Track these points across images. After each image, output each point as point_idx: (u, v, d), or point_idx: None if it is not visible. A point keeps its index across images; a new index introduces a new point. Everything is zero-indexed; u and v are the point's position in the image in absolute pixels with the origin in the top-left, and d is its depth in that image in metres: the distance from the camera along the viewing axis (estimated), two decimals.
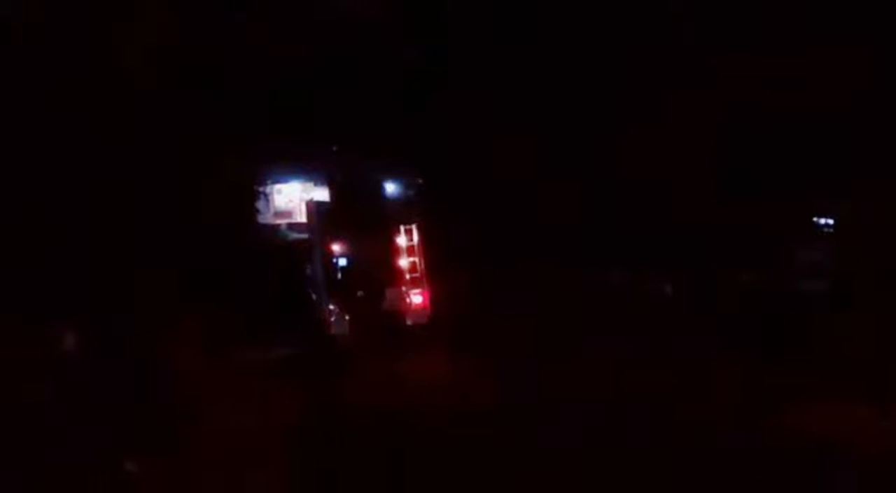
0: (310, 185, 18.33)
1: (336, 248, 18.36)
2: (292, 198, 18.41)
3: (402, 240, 18.79)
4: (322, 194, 18.49)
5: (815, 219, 16.08)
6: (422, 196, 18.48)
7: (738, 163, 14.77)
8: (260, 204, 17.50)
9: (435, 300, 18.22)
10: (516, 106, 15.45)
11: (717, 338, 13.73)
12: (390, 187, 18.85)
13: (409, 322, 18.30)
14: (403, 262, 18.71)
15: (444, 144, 16.26)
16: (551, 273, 15.63)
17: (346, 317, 17.79)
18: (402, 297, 18.44)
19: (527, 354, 14.01)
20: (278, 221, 18.32)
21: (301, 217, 18.31)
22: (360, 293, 18.12)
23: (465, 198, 16.42)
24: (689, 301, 15.34)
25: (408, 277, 18.63)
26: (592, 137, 15.23)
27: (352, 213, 18.18)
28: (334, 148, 17.92)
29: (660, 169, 14.89)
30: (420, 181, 18.45)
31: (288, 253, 17.91)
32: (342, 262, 18.44)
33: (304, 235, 18.25)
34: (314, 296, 17.71)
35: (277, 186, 18.24)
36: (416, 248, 18.78)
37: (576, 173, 15.44)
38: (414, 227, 18.79)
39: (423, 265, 18.59)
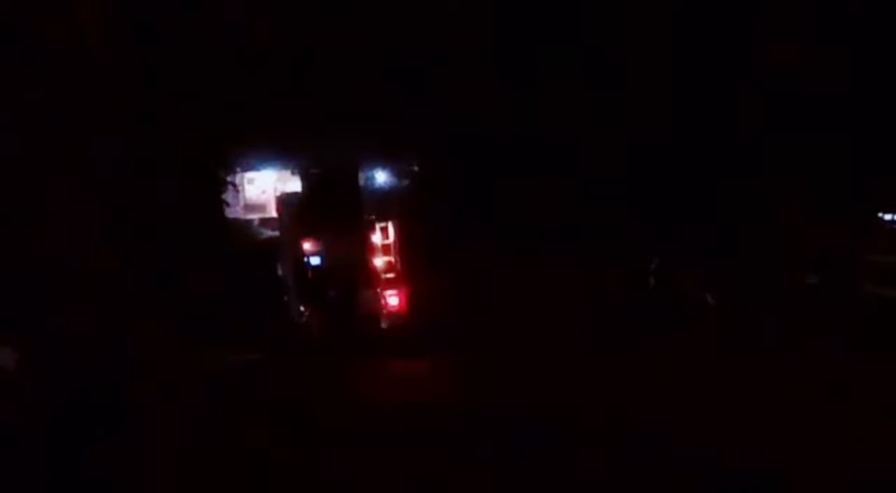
0: (286, 174, 17.25)
1: (307, 245, 17.54)
2: (266, 189, 17.27)
3: (377, 237, 17.98)
4: (299, 185, 17.57)
5: (880, 215, 15.37)
6: (416, 185, 17.72)
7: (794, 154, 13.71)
8: (228, 196, 16.21)
9: (414, 302, 17.43)
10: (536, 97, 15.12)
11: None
12: (369, 177, 18.11)
13: (384, 326, 17.46)
14: (379, 261, 17.87)
15: (448, 127, 15.61)
16: (559, 274, 15.34)
17: (318, 320, 17.00)
18: (377, 298, 17.58)
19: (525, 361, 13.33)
20: (249, 216, 17.32)
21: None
22: (332, 294, 17.35)
23: (476, 187, 15.96)
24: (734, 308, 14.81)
25: (384, 277, 17.79)
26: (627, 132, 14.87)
27: (325, 207, 17.36)
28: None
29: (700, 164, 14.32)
30: (415, 168, 17.68)
31: (259, 253, 17.03)
32: (314, 260, 17.62)
33: (278, 233, 17.46)
34: (285, 298, 16.98)
35: (249, 175, 17.04)
36: (392, 246, 17.98)
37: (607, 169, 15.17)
38: (390, 224, 18.02)
39: (400, 264, 17.83)
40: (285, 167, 17.16)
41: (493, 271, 15.83)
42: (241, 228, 17.02)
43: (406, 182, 18.02)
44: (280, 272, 17.04)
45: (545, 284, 15.54)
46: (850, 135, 13.68)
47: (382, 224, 17.94)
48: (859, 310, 13.96)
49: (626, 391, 11.37)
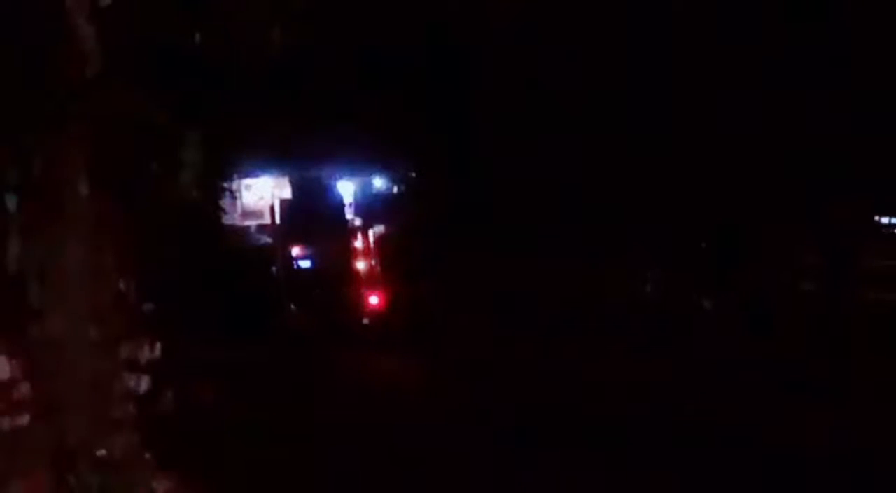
0: (284, 181, 17.25)
1: (296, 249, 18.07)
2: (263, 195, 17.27)
3: (360, 242, 18.67)
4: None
5: (876, 218, 14.88)
6: (408, 189, 18.08)
7: (789, 155, 13.41)
8: (225, 202, 15.70)
9: (394, 302, 18.04)
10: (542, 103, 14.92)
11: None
12: (360, 183, 18.53)
13: (365, 322, 18.04)
14: (361, 263, 18.56)
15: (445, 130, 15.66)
16: (556, 276, 15.52)
17: (305, 317, 17.49)
18: (359, 297, 18.27)
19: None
20: (247, 223, 17.39)
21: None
22: (317, 293, 17.87)
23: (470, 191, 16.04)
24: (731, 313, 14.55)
25: (364, 277, 18.50)
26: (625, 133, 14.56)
27: (313, 213, 17.86)
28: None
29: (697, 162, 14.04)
30: (412, 174, 18.00)
31: (256, 258, 17.37)
32: (304, 263, 18.24)
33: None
34: (279, 298, 17.48)
35: (246, 182, 16.89)
36: (374, 249, 18.71)
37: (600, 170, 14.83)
38: (374, 228, 18.73)
39: (381, 266, 18.54)
40: (283, 174, 17.13)
41: (484, 273, 16.06)
42: (238, 234, 17.10)
43: (396, 187, 18.46)
44: (275, 275, 17.46)
45: (541, 287, 15.76)
46: (848, 139, 13.42)
47: (367, 229, 18.61)
48: (857, 315, 13.71)
49: (620, 393, 11.26)
